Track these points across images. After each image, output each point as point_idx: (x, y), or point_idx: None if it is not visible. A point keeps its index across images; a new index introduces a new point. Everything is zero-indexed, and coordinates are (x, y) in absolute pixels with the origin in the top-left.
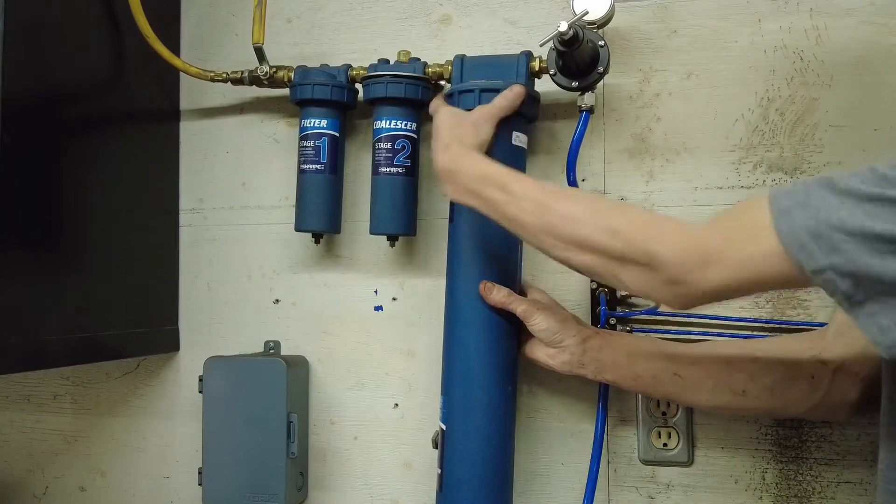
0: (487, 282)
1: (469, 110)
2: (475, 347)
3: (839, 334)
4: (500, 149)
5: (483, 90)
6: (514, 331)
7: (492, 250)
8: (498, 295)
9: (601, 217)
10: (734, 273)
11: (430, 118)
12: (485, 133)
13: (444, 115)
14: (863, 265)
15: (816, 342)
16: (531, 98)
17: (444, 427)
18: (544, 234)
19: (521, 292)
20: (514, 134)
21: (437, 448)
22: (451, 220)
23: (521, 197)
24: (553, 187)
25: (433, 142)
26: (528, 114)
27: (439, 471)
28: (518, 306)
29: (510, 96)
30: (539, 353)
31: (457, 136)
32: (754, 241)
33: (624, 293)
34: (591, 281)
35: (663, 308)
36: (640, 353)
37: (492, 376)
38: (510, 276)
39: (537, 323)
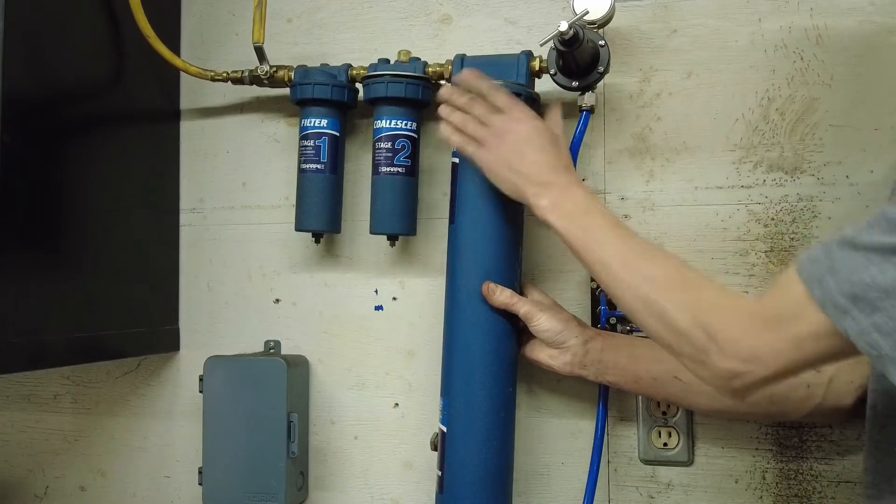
0: (491, 283)
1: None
2: (477, 349)
3: None
4: None
5: None
6: (514, 331)
7: (493, 251)
8: (502, 296)
9: (677, 288)
10: (790, 358)
11: (430, 118)
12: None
13: (538, 120)
14: None
15: None
16: (534, 102)
17: (444, 429)
18: (624, 286)
19: (521, 293)
20: None
21: (436, 450)
22: (451, 220)
23: (612, 243)
24: (645, 243)
25: (515, 138)
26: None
27: (439, 473)
28: (521, 307)
29: (561, 116)
30: (540, 353)
31: (561, 157)
32: (801, 321)
33: None
34: (592, 280)
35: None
36: (642, 356)
37: (494, 378)
38: (511, 276)
39: (540, 324)
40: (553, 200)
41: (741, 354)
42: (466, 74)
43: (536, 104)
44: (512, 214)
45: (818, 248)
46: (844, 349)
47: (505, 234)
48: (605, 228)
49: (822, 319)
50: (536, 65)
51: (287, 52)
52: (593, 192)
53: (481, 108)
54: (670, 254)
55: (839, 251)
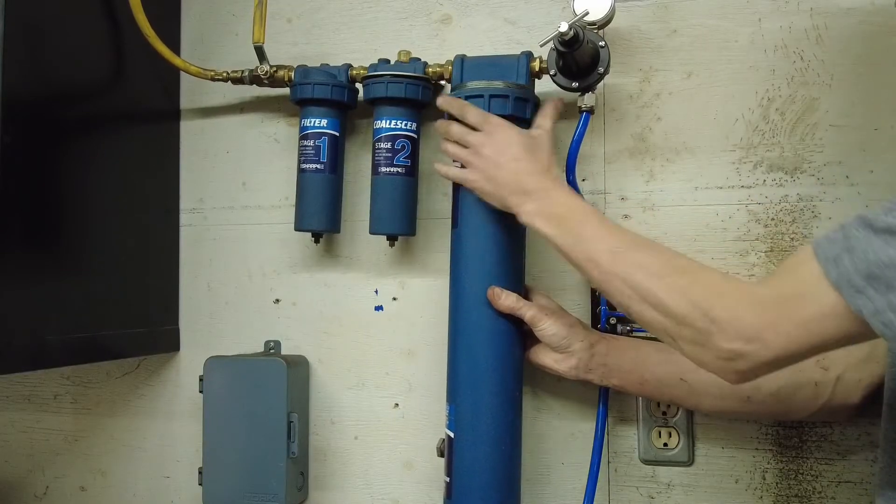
0: (496, 287)
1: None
2: (483, 353)
3: None
4: None
5: (493, 96)
6: (520, 335)
7: (497, 255)
8: (507, 300)
9: (670, 274)
10: (795, 338)
11: (430, 118)
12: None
13: (511, 130)
14: None
15: None
16: (533, 104)
17: (451, 435)
18: (615, 278)
19: (525, 296)
20: None
21: (442, 456)
22: (454, 224)
23: (601, 238)
24: (633, 235)
25: (490, 151)
26: (532, 119)
27: (447, 479)
28: (527, 311)
29: (554, 113)
30: (546, 358)
31: (539, 161)
32: (810, 301)
33: None
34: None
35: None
36: (647, 359)
37: (501, 382)
38: (515, 280)
39: (546, 328)
40: (536, 206)
41: (745, 334)
42: (440, 100)
43: (537, 108)
44: (514, 218)
45: (835, 229)
46: (852, 332)
47: (508, 237)
48: (591, 226)
49: (833, 299)
50: (536, 65)
51: (287, 52)
52: (575, 193)
53: (458, 129)
54: (661, 245)
55: (857, 232)
